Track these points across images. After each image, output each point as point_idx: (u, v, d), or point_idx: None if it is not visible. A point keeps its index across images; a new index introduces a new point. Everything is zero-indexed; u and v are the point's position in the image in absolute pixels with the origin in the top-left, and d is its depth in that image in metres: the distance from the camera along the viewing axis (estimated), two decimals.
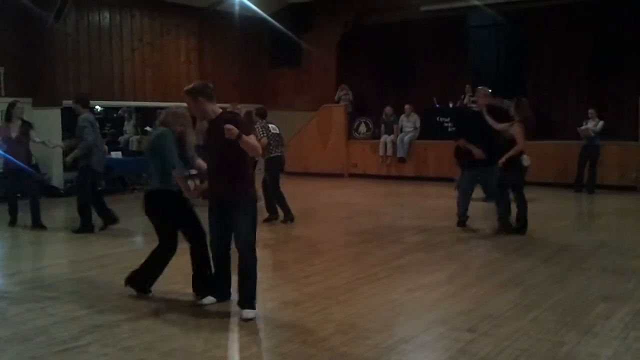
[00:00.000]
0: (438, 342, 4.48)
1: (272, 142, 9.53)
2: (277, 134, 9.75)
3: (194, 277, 5.62)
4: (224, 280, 5.43)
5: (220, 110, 5.26)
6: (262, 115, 9.78)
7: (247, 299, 5.08)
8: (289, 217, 9.56)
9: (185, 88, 5.22)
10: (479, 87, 9.42)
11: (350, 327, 4.79)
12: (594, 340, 4.49)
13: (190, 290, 5.60)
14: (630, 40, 14.22)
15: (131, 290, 5.66)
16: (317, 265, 6.90)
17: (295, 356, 4.21)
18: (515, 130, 8.33)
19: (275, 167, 9.65)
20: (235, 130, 4.83)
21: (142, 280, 5.67)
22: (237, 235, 5.12)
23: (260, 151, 5.20)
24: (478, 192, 10.15)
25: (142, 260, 5.69)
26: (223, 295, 5.43)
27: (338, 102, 16.98)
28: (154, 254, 5.67)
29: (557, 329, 4.72)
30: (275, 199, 9.57)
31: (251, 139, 5.05)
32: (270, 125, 9.65)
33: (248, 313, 5.02)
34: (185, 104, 5.39)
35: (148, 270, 5.67)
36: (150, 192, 5.70)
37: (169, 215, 5.58)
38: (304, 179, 16.41)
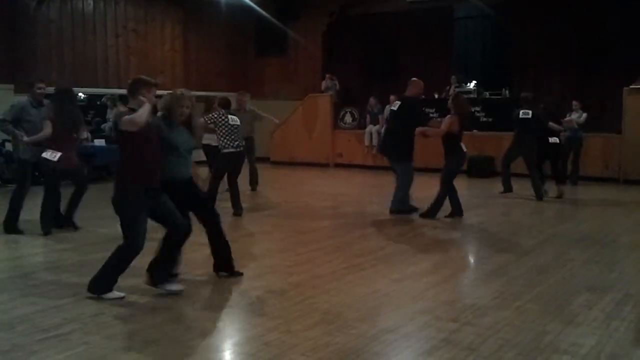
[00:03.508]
0: (422, 332, 4.49)
1: (228, 135, 8.88)
2: (236, 125, 9.03)
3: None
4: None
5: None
6: (225, 105, 9.23)
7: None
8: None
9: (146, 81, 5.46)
10: (413, 79, 9.68)
11: (335, 316, 4.79)
12: (576, 329, 4.52)
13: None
14: (615, 32, 14.31)
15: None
16: (302, 255, 6.90)
17: (279, 345, 4.20)
18: (445, 120, 9.12)
19: (224, 164, 9.08)
20: None
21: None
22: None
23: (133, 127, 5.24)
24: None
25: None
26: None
27: (325, 91, 16.92)
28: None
29: (541, 318, 4.75)
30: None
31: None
32: (230, 117, 8.99)
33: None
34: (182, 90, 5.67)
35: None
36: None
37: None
38: (289, 168, 16.40)
